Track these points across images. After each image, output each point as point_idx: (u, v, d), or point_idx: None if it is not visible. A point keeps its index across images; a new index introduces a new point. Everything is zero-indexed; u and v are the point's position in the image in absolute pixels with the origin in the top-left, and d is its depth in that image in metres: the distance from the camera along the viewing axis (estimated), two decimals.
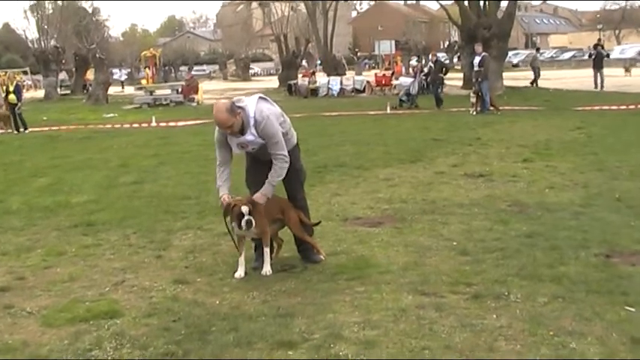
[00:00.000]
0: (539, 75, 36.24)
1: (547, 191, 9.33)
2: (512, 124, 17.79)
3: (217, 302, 5.53)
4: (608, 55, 33.58)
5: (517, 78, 38.01)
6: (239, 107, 6.23)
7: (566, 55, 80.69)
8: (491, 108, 21.37)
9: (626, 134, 14.90)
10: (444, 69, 26.49)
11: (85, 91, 43.93)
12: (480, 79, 21.49)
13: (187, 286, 5.98)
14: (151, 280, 6.17)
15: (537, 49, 42.93)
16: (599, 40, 35.29)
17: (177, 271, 6.43)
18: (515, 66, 70.55)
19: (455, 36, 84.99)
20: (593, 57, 32.96)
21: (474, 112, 21.28)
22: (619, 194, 8.84)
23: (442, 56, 47.60)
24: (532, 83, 35.37)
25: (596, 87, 30.96)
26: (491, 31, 30.16)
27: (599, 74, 31.40)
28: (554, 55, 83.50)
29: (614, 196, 8.79)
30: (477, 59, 21.98)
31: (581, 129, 16.04)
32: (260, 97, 6.50)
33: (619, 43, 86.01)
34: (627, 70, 42.90)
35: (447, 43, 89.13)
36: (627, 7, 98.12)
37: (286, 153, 6.32)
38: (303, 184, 6.90)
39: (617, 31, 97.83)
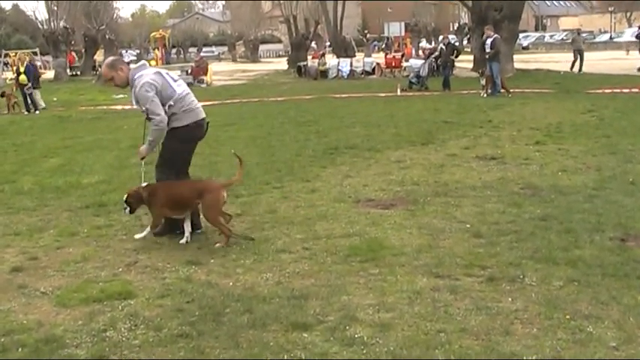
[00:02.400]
0: (582, 58, 32.05)
1: (560, 174, 9.26)
2: (523, 107, 17.66)
3: (231, 284, 5.51)
4: None
5: (527, 60, 37.80)
6: (125, 65, 7.07)
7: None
8: (502, 90, 21.24)
9: (638, 117, 14.76)
10: (455, 51, 26.33)
11: (95, 72, 43.87)
12: (490, 61, 21.38)
13: (200, 267, 5.96)
14: (164, 261, 6.16)
15: (578, 31, 37.79)
16: None
17: (190, 252, 6.41)
18: (526, 48, 70.18)
19: (465, 18, 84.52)
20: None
21: (485, 95, 21.16)
22: (633, 177, 8.77)
23: (452, 38, 47.41)
24: (572, 68, 31.94)
25: None
26: (502, 13, 29.92)
27: None
28: (564, 38, 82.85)
29: (627, 179, 8.72)
30: (488, 41, 21.86)
31: (593, 112, 15.91)
32: (157, 70, 7.15)
33: (630, 26, 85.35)
34: (627, 52, 42.68)
35: (456, 25, 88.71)
36: None
37: (160, 116, 6.72)
38: (171, 165, 7.05)
39: (628, 14, 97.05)
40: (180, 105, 6.89)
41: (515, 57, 32.52)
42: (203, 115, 7.11)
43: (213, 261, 6.12)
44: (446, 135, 13.24)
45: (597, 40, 73.57)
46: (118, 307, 5.08)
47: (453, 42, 31.40)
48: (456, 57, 26.42)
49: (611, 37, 73.05)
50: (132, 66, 7.17)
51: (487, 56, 21.76)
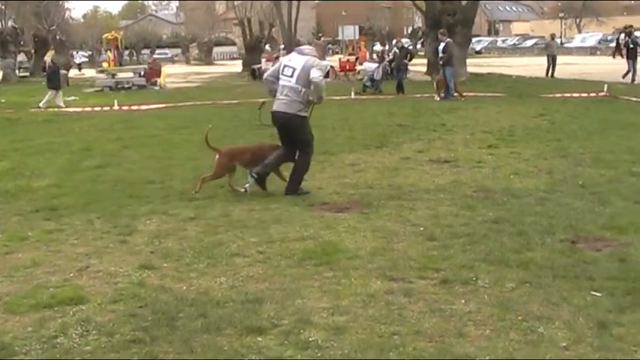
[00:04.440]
0: (554, 64, 31.71)
1: (512, 177, 9.41)
2: (476, 111, 17.90)
3: (184, 288, 5.47)
4: None
5: (480, 65, 38.28)
6: None
7: (529, 43, 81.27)
8: (456, 94, 21.48)
9: (588, 121, 15.08)
10: (408, 55, 26.56)
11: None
12: (444, 66, 21.64)
13: (153, 271, 5.90)
14: (117, 266, 6.08)
15: (552, 36, 36.49)
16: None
17: (143, 257, 6.34)
18: (478, 53, 71.08)
19: (419, 22, 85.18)
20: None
21: (438, 98, 21.37)
22: (582, 181, 8.94)
23: (406, 42, 47.66)
24: (547, 73, 31.46)
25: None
26: (456, 18, 30.26)
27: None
28: (516, 43, 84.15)
29: (577, 182, 8.89)
30: (441, 45, 22.11)
31: (544, 116, 16.19)
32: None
33: (580, 32, 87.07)
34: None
35: (410, 28, 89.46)
36: None
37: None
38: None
39: (578, 20, 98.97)
40: None
41: (469, 61, 32.91)
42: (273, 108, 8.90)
43: (166, 265, 6.07)
44: (400, 138, 13.34)
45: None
46: (69, 312, 5.00)
47: (406, 46, 31.66)
48: (410, 61, 26.67)
49: (561, 43, 74.24)
50: None
51: (440, 60, 22.02)
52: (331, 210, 7.91)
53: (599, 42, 66.67)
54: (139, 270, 5.93)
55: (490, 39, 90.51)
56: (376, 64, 27.71)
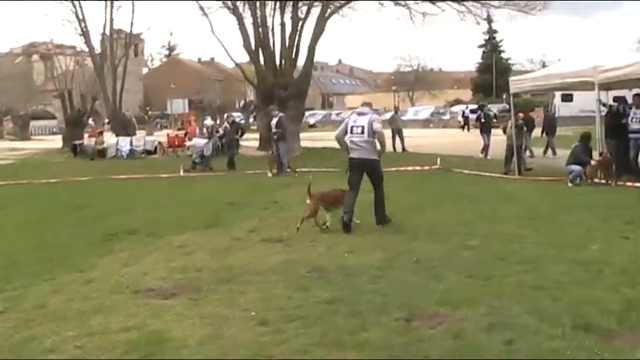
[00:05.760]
0: (402, 137, 32.31)
1: (347, 255, 9.62)
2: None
3: None
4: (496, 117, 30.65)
5: (314, 138, 39.18)
6: None
7: None
8: (289, 170, 21.87)
9: (422, 194, 15.79)
10: (240, 130, 26.84)
11: None
12: (277, 141, 22.03)
13: None
14: None
15: (396, 110, 37.74)
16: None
17: None
18: (313, 126, 72.85)
19: (251, 95, 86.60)
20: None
21: (271, 175, 21.67)
22: (417, 256, 9.28)
23: (238, 116, 48.28)
24: (394, 147, 31.10)
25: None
26: (288, 91, 31.11)
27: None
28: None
29: (412, 257, 9.22)
30: (274, 120, 22.51)
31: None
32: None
33: (413, 105, 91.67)
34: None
35: (242, 102, 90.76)
36: (420, 69, 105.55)
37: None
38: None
39: (410, 93, 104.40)
40: None
41: (303, 135, 33.70)
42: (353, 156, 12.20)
43: None
44: (231, 217, 13.38)
45: (382, 117, 77.56)
46: None
47: (238, 120, 32.03)
48: (241, 136, 26.93)
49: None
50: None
51: (274, 136, 22.35)
52: (157, 297, 7.75)
53: (432, 114, 70.45)
54: None
55: (324, 112, 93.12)
56: (206, 140, 27.76)
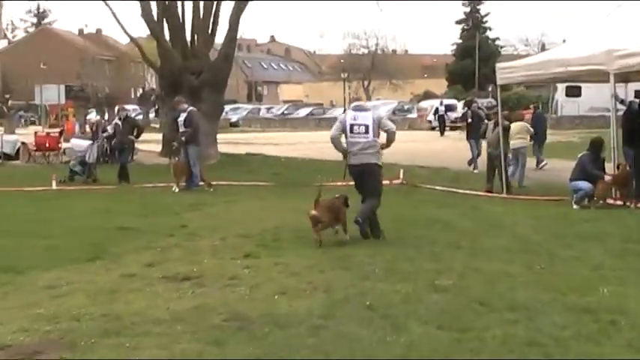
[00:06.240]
0: None
1: (277, 298, 9.60)
2: (229, 206, 18.23)
3: None
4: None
5: (237, 142, 39.23)
6: None
7: (302, 112, 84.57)
8: (202, 183, 21.77)
9: (379, 219, 15.78)
10: (135, 129, 26.62)
11: None
12: (186, 144, 21.88)
13: None
14: None
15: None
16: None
17: None
18: (235, 125, 72.80)
19: (152, 82, 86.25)
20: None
21: (177, 189, 21.53)
22: (370, 300, 9.31)
23: (133, 109, 48.05)
24: None
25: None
26: (202, 78, 30.95)
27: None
28: (285, 112, 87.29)
29: (364, 302, 9.24)
30: (182, 117, 22.33)
31: None
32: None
33: (369, 99, 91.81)
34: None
35: (140, 91, 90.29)
36: (378, 51, 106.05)
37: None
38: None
39: (365, 83, 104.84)
40: None
41: (221, 137, 33.58)
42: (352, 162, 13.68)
43: None
44: (122, 247, 13.25)
45: (327, 115, 78.04)
46: None
47: (133, 115, 31.77)
48: (138, 137, 26.72)
49: (344, 112, 77.78)
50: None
51: (182, 137, 22.17)
52: (16, 356, 7.64)
53: (394, 112, 70.93)
54: None
55: (250, 107, 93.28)
56: (89, 141, 27.45)
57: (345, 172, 13.94)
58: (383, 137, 13.56)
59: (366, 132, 13.20)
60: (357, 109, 13.73)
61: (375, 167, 13.53)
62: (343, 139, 13.67)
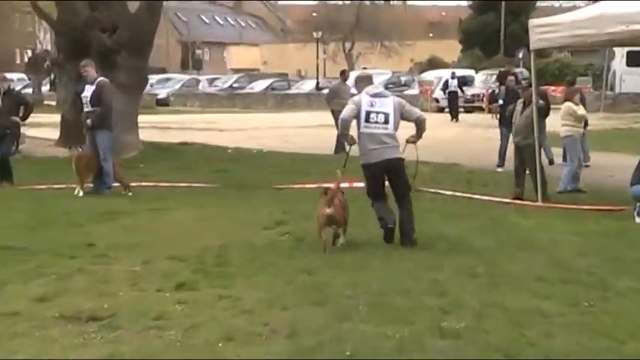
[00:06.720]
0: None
1: (221, 346, 9.59)
2: (156, 216, 18.19)
3: None
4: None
5: (167, 126, 39.11)
6: None
7: (258, 86, 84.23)
8: (116, 184, 21.72)
9: (356, 234, 15.77)
10: (22, 107, 26.47)
11: None
12: (95, 129, 21.76)
13: None
14: None
15: (344, 75, 35.77)
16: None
17: None
18: (164, 104, 72.58)
19: (46, 42, 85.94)
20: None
21: (82, 193, 21.42)
22: (351, 349, 9.31)
23: (19, 80, 47.89)
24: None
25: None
26: (117, 37, 30.78)
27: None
28: (235, 85, 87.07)
29: (343, 351, 9.25)
30: (88, 90, 22.16)
31: (285, 224, 16.74)
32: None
33: (352, 68, 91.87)
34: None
35: (28, 54, 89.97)
36: (364, 0, 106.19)
37: None
38: None
39: (347, 46, 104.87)
40: None
41: (145, 119, 33.47)
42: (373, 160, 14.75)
43: None
44: (1, 274, 13.18)
45: (293, 90, 77.96)
46: None
47: (19, 88, 31.52)
48: (25, 118, 26.55)
49: (318, 86, 77.62)
50: None
51: (88, 119, 22.00)
52: None
53: (387, 87, 70.93)
54: None
55: (186, 78, 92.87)
56: None
57: (345, 164, 14.98)
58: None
59: (386, 122, 14.20)
60: (375, 94, 14.64)
61: (401, 163, 14.73)
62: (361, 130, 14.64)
